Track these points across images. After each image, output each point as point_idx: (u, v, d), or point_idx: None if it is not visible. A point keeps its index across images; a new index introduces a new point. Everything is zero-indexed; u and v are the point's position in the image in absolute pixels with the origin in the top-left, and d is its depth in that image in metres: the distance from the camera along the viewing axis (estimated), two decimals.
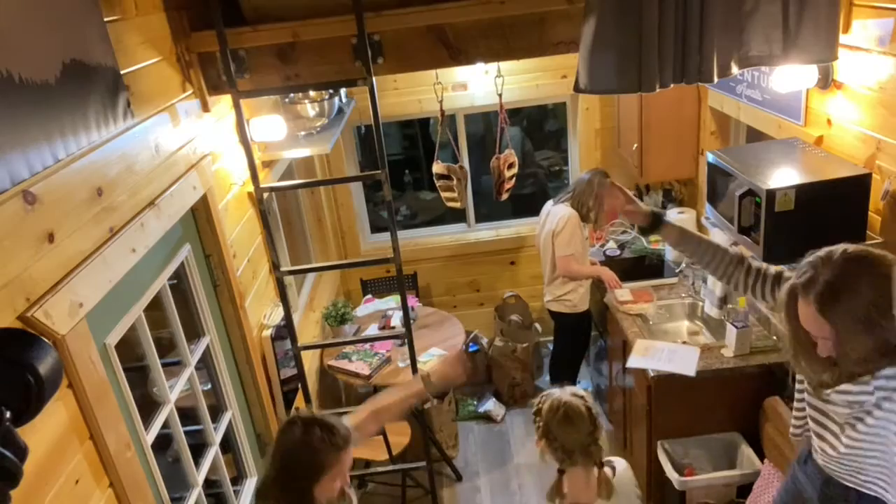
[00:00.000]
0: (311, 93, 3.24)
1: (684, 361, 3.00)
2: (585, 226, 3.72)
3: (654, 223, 2.23)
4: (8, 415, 1.16)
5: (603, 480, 1.89)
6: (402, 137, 6.55)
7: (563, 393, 1.93)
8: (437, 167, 3.61)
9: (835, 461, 1.83)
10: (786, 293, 1.68)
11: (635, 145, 3.83)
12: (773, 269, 2.05)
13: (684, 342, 3.18)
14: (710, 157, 2.55)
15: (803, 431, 2.00)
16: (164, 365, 2.12)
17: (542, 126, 6.43)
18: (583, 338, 4.08)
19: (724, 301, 3.29)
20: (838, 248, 1.61)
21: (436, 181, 3.66)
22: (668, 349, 3.11)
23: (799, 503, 2.05)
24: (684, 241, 2.20)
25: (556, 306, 3.81)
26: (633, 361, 3.09)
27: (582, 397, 1.92)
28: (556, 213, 3.67)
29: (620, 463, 2.01)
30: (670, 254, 3.99)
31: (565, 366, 4.10)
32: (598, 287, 3.87)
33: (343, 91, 3.74)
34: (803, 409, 1.94)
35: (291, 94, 3.22)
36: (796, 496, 2.06)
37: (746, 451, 2.97)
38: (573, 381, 4.14)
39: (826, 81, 2.36)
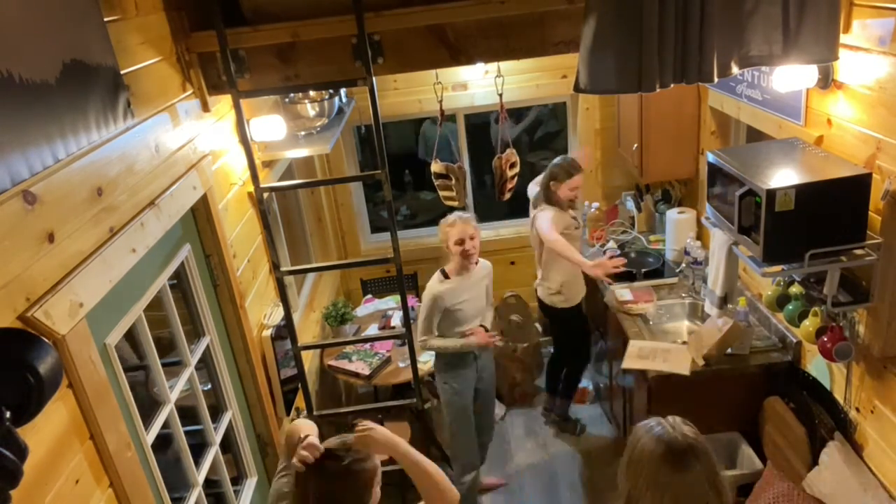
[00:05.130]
0: (311, 93, 3.24)
1: (678, 361, 3.01)
2: (571, 213, 3.68)
3: None
4: (8, 415, 1.16)
5: None
6: (401, 137, 6.55)
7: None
8: (436, 166, 3.61)
9: None
10: None
11: (635, 145, 3.83)
12: None
13: (684, 342, 3.18)
14: (710, 157, 2.55)
15: None
16: (164, 365, 2.12)
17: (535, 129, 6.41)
18: (580, 338, 4.03)
19: (724, 301, 3.28)
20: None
21: (434, 180, 3.66)
22: (661, 349, 3.12)
23: None
24: None
25: (549, 300, 3.80)
26: (627, 363, 3.10)
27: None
28: (537, 216, 3.65)
29: None
30: (670, 254, 4.00)
31: (563, 371, 4.06)
32: (599, 287, 3.87)
33: (343, 91, 3.74)
34: None
35: (291, 94, 3.22)
36: None
37: (746, 451, 2.97)
38: (569, 392, 4.10)
39: (826, 81, 2.35)
